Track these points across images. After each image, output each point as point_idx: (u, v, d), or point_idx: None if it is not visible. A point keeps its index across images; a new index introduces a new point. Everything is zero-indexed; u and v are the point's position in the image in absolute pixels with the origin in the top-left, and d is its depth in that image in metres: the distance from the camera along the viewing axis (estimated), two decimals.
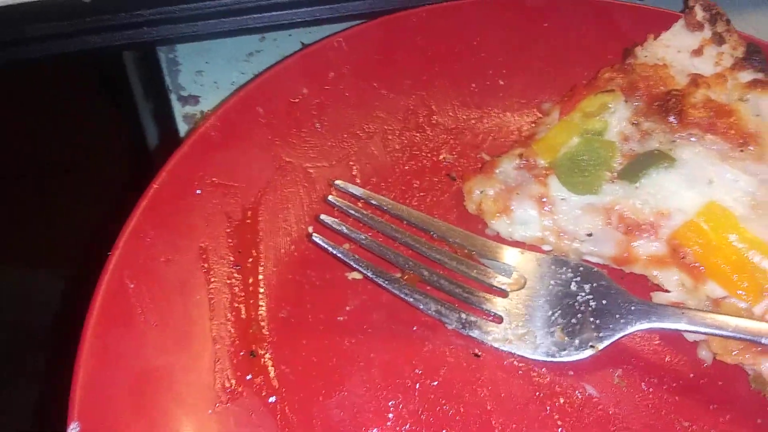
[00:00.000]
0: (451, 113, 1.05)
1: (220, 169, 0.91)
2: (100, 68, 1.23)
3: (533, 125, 1.03)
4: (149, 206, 0.83)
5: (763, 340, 0.77)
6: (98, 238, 0.84)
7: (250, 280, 0.86)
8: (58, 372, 0.74)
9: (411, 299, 0.84)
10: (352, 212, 0.89)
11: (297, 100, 0.98)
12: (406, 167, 0.99)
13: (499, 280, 0.88)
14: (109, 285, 0.77)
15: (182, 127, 1.08)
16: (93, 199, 1.12)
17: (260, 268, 0.87)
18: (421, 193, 0.97)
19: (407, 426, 0.78)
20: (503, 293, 0.87)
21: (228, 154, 0.92)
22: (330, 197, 0.89)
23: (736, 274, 0.82)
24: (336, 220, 0.86)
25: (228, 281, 0.85)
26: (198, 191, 0.88)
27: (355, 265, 0.85)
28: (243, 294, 0.85)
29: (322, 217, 0.86)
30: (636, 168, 0.90)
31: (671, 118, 0.93)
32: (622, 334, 0.82)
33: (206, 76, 1.14)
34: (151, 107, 1.18)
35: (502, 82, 1.07)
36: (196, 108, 1.10)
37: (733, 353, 0.81)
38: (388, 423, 0.78)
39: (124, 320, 0.77)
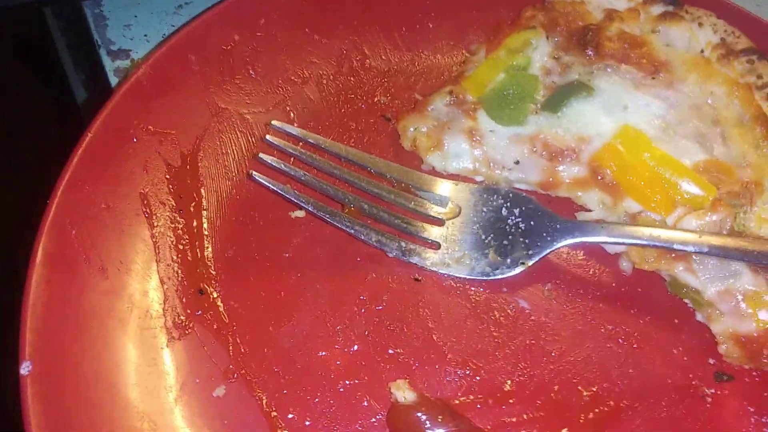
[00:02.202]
0: (383, 57, 1.08)
1: (156, 117, 0.91)
2: (18, 28, 1.18)
3: (462, 65, 1.07)
4: (85, 155, 0.83)
5: (675, 246, 0.84)
6: (35, 192, 0.84)
7: (194, 223, 0.88)
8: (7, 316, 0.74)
9: (353, 231, 0.88)
10: (290, 151, 0.91)
11: (229, 47, 0.99)
12: (342, 110, 1.02)
13: (436, 210, 0.92)
14: (50, 231, 0.78)
15: (114, 82, 1.07)
16: (27, 158, 1.10)
17: (203, 212, 0.89)
18: (359, 135, 1.00)
19: (355, 347, 0.83)
20: (440, 222, 0.91)
21: (162, 102, 0.92)
22: (267, 137, 0.91)
23: (650, 189, 0.90)
24: (274, 158, 0.89)
25: (171, 225, 0.87)
26: (134, 139, 0.89)
27: (296, 201, 0.87)
28: (187, 237, 0.87)
29: (261, 155, 0.88)
30: (557, 99, 0.96)
31: (589, 51, 0.99)
32: (549, 250, 0.88)
33: (135, 30, 1.12)
34: (78, 64, 1.16)
35: (431, 25, 1.10)
36: (127, 62, 1.09)
37: (650, 261, 0.89)
38: (337, 346, 0.82)
39: (68, 265, 0.77)
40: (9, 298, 0.76)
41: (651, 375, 0.85)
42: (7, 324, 0.73)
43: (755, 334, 0.84)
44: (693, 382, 0.85)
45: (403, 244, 0.89)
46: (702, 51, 1.00)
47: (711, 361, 0.86)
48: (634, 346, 0.86)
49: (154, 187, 0.88)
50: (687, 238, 0.84)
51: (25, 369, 0.69)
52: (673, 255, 0.88)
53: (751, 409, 0.83)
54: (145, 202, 0.86)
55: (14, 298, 0.74)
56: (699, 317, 0.88)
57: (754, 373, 0.86)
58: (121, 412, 0.73)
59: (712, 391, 0.84)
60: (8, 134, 1.16)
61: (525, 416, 0.80)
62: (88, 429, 0.71)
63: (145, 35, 1.12)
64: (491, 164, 0.95)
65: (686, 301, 0.89)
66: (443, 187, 0.94)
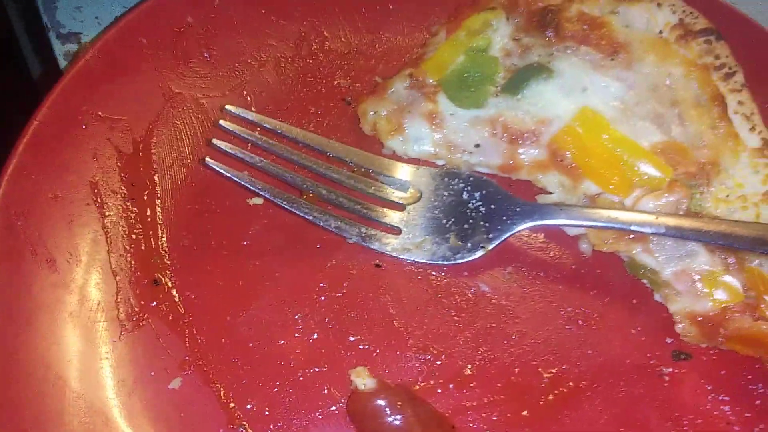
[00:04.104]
0: (343, 39, 1.06)
1: (106, 102, 0.88)
2: None
3: (423, 47, 1.05)
4: (31, 142, 0.81)
5: (633, 227, 0.85)
6: None
7: (148, 212, 0.86)
8: None
9: (312, 217, 0.87)
10: (246, 136, 0.89)
11: (182, 30, 0.96)
12: (302, 94, 1.00)
13: (397, 195, 0.91)
14: None
15: (64, 66, 1.03)
16: None
17: (157, 200, 0.87)
18: (318, 119, 0.99)
19: (315, 335, 0.82)
20: (400, 207, 0.91)
21: (112, 86, 0.89)
22: (222, 122, 0.88)
23: (608, 171, 0.90)
24: (229, 144, 0.87)
25: (123, 214, 0.84)
26: (83, 126, 0.86)
27: (252, 188, 0.86)
28: (141, 226, 0.84)
29: (215, 141, 0.86)
30: (517, 81, 0.95)
31: (549, 33, 0.98)
32: (509, 233, 0.88)
33: (86, 12, 1.08)
34: (35, 48, 1.12)
35: (391, 6, 1.08)
36: (77, 45, 1.05)
37: (608, 242, 0.89)
38: (296, 335, 0.82)
39: (14, 257, 0.75)
40: None
41: (610, 355, 0.85)
42: None
43: (711, 313, 0.85)
44: (651, 362, 0.86)
45: (363, 229, 0.88)
46: (660, 32, 1.00)
47: (669, 340, 0.87)
48: (593, 327, 0.87)
49: (105, 175, 0.85)
50: (644, 219, 0.84)
51: None
52: (631, 236, 0.88)
53: (709, 387, 0.85)
54: (96, 191, 0.84)
55: None
56: (657, 297, 0.89)
57: (711, 352, 0.87)
58: (71, 407, 0.72)
59: (670, 369, 0.85)
60: None
61: (485, 400, 0.81)
62: (37, 424, 0.69)
63: (96, 17, 1.08)
64: (452, 148, 0.94)
65: (644, 281, 0.90)
66: (404, 172, 0.93)
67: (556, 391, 0.82)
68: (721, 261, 0.86)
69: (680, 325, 0.86)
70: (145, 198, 0.86)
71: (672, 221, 0.84)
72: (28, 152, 0.80)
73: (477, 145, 0.94)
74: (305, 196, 0.88)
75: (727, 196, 0.90)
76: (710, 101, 0.94)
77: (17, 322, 0.72)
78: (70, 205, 0.81)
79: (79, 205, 0.82)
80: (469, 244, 0.88)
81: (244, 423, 0.75)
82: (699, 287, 0.86)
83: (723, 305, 0.85)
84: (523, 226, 0.88)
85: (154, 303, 0.80)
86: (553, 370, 0.83)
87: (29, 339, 0.72)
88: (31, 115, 0.82)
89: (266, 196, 0.86)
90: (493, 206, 0.90)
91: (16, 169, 0.79)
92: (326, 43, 1.04)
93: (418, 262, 0.88)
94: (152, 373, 0.76)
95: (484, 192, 0.91)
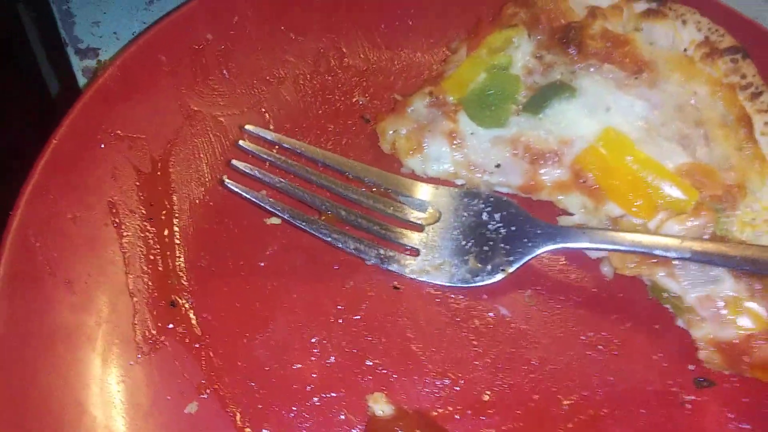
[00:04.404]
0: (362, 55, 1.05)
1: (124, 121, 0.88)
2: None
3: (443, 64, 1.04)
4: (50, 162, 0.80)
5: (656, 252, 0.83)
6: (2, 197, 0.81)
7: (165, 232, 0.85)
8: None
9: (330, 239, 0.86)
10: (265, 156, 0.89)
11: (201, 47, 0.96)
12: (320, 111, 0.99)
13: (415, 215, 0.90)
14: (13, 244, 0.75)
15: (82, 82, 1.04)
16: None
17: (175, 220, 0.87)
18: (336, 136, 0.98)
19: (332, 359, 0.81)
20: (419, 227, 0.90)
21: (131, 105, 0.89)
22: (241, 142, 0.88)
23: (632, 193, 0.88)
24: (248, 165, 0.86)
25: (141, 234, 0.84)
26: (102, 145, 0.86)
27: (270, 209, 0.85)
28: (158, 246, 0.84)
29: (234, 162, 0.85)
30: (539, 100, 0.94)
31: (571, 50, 0.96)
32: (530, 256, 0.86)
33: (104, 27, 1.09)
34: (52, 63, 1.12)
35: (410, 23, 1.08)
36: (96, 61, 1.06)
37: (631, 266, 0.88)
38: (313, 358, 0.81)
39: (32, 279, 0.75)
40: None
41: (631, 382, 0.84)
42: None
43: (736, 341, 0.83)
44: (673, 389, 0.84)
45: (381, 251, 0.87)
46: (685, 50, 0.98)
47: (691, 367, 0.85)
48: (614, 352, 0.85)
49: (123, 194, 0.85)
50: (668, 243, 0.83)
51: None
52: (655, 260, 0.86)
53: (731, 416, 0.83)
54: (114, 210, 0.84)
55: None
56: (679, 323, 0.87)
57: (734, 379, 0.85)
58: (88, 430, 0.71)
59: (692, 397, 0.84)
60: None
61: (504, 427, 0.79)
62: None
63: (115, 33, 1.08)
64: (472, 167, 0.93)
65: (667, 306, 0.88)
66: (423, 191, 0.92)
67: (576, 419, 0.81)
68: (746, 287, 0.84)
69: (703, 352, 0.85)
70: (163, 218, 0.86)
71: (697, 246, 0.82)
72: (47, 172, 0.80)
73: (498, 165, 0.93)
74: (323, 217, 0.88)
75: (753, 219, 0.88)
76: (736, 122, 0.92)
77: (35, 345, 0.72)
78: (89, 225, 0.81)
79: (97, 225, 0.82)
80: (488, 267, 0.87)
81: None
82: (723, 313, 0.84)
83: (748, 332, 0.83)
84: (545, 249, 0.86)
85: (171, 325, 0.80)
86: (574, 397, 0.82)
87: (47, 362, 0.72)
88: (48, 132, 0.82)
89: (284, 216, 0.86)
90: (513, 228, 0.88)
91: (34, 189, 0.79)
92: (345, 59, 1.04)
93: (436, 285, 0.87)
94: (168, 397, 0.76)
95: (504, 213, 0.90)
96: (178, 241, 0.85)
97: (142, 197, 0.86)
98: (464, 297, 0.87)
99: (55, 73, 1.08)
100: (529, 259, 0.87)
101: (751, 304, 0.84)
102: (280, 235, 0.88)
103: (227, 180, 0.85)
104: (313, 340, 0.82)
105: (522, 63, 0.97)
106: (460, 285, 0.87)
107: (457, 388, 0.81)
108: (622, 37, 0.98)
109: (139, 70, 0.90)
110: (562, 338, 0.86)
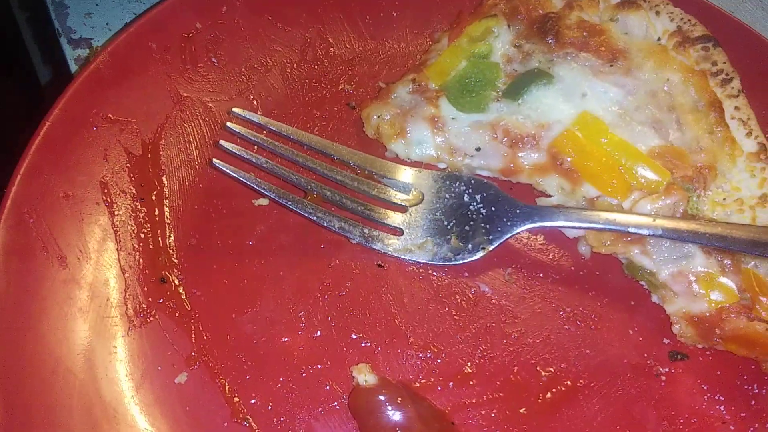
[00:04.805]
0: (347, 45, 1.08)
1: (116, 105, 0.90)
2: None
3: (426, 53, 1.08)
4: (43, 143, 0.83)
5: (630, 230, 0.86)
6: None
7: (156, 212, 0.88)
8: None
9: (316, 218, 0.89)
10: (252, 138, 0.91)
11: (190, 35, 0.98)
12: (307, 98, 1.02)
13: (399, 197, 0.93)
14: (8, 220, 0.77)
15: (75, 70, 1.06)
16: None
17: (165, 200, 0.89)
18: (323, 122, 1.01)
19: (318, 333, 0.83)
20: (403, 208, 0.92)
21: (122, 90, 0.91)
22: (229, 124, 0.90)
23: (606, 174, 0.91)
24: (236, 146, 0.89)
25: (132, 214, 0.86)
26: (94, 127, 0.88)
27: (258, 189, 0.88)
28: (149, 225, 0.86)
29: (222, 142, 0.88)
30: (518, 86, 0.97)
31: (549, 39, 1.00)
32: (509, 234, 0.89)
33: (96, 18, 1.11)
34: (43, 53, 1.14)
35: (395, 14, 1.11)
36: (88, 51, 1.08)
37: (606, 244, 0.91)
38: (300, 332, 0.83)
39: (26, 254, 0.77)
40: None
41: (607, 355, 0.87)
42: None
43: (707, 314, 0.86)
44: (648, 362, 0.87)
45: (366, 230, 0.90)
46: (659, 39, 1.02)
47: (665, 340, 0.89)
48: (591, 327, 0.88)
49: (114, 175, 0.87)
50: (641, 221, 0.86)
51: None
52: (629, 238, 0.90)
53: (704, 387, 0.86)
54: (106, 190, 0.86)
55: None
56: (654, 298, 0.91)
57: (707, 352, 0.89)
58: (80, 400, 0.73)
59: (667, 369, 0.87)
60: None
61: (484, 397, 0.82)
62: (47, 417, 0.71)
63: (107, 23, 1.10)
64: (453, 151, 0.96)
65: (642, 282, 0.91)
66: (406, 174, 0.95)
67: (554, 390, 0.84)
68: (717, 263, 0.88)
69: (677, 326, 0.88)
70: (154, 198, 0.88)
71: (669, 223, 0.85)
72: (40, 152, 0.83)
73: (478, 149, 0.96)
74: (310, 198, 0.90)
75: (724, 199, 0.92)
76: (708, 107, 0.96)
77: (28, 316, 0.74)
78: (81, 203, 0.83)
79: (89, 204, 0.84)
80: (469, 246, 0.90)
81: (248, 417, 0.77)
82: (695, 288, 0.87)
83: (719, 306, 0.86)
84: (523, 227, 0.89)
85: (162, 300, 0.82)
86: (552, 369, 0.85)
87: (40, 333, 0.74)
88: (39, 119, 0.85)
89: (271, 196, 0.88)
90: (493, 208, 0.91)
91: (28, 168, 0.81)
92: (331, 49, 1.07)
93: (419, 263, 0.90)
94: (159, 368, 0.78)
95: (484, 194, 0.93)
96: (168, 221, 0.87)
97: (133, 178, 0.88)
98: (446, 274, 0.90)
99: (48, 62, 1.11)
100: (508, 238, 0.90)
101: (722, 279, 0.87)
102: (268, 216, 0.91)
103: (216, 160, 0.87)
104: (300, 315, 0.84)
105: (501, 51, 1.01)
106: (442, 263, 0.90)
107: (439, 361, 0.84)
108: (598, 27, 1.02)
109: (130, 57, 0.93)
110: (540, 313, 0.89)
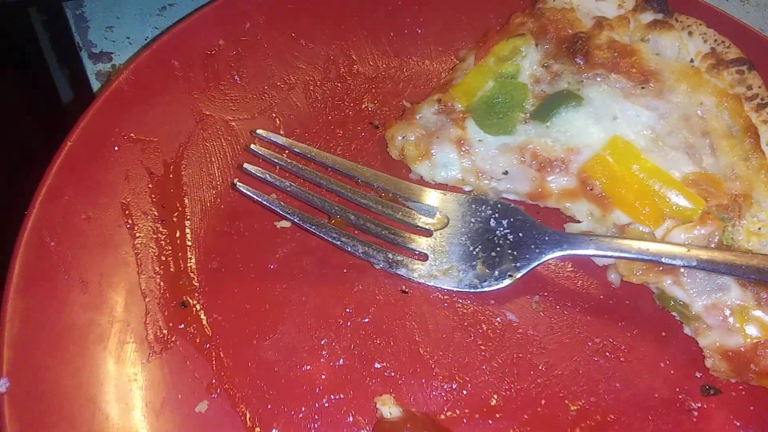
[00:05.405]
0: (371, 62, 1.06)
1: (138, 124, 0.89)
2: (4, 29, 1.15)
3: (451, 71, 1.06)
4: (64, 164, 0.81)
5: (663, 260, 0.84)
6: (14, 200, 0.82)
7: (177, 234, 0.86)
8: None
9: (339, 242, 0.87)
10: (276, 161, 0.90)
11: (213, 52, 0.97)
12: (329, 117, 1.01)
13: (423, 221, 0.91)
14: (28, 243, 0.76)
15: (96, 86, 1.05)
16: (6, 161, 1.07)
17: (187, 222, 0.87)
18: (346, 142, 0.99)
19: (340, 361, 0.81)
20: (427, 233, 0.90)
21: (144, 108, 0.90)
22: (252, 146, 0.89)
23: (639, 201, 0.89)
24: (259, 168, 0.87)
25: (154, 236, 0.85)
26: (116, 147, 0.87)
27: (281, 212, 0.86)
28: (170, 248, 0.85)
29: (246, 165, 0.86)
30: (547, 108, 0.95)
31: (578, 60, 0.98)
32: (537, 262, 0.87)
33: (117, 32, 1.10)
34: (63, 66, 1.14)
35: (419, 31, 1.09)
36: (109, 66, 1.07)
37: (638, 273, 0.88)
38: (322, 360, 0.81)
39: (47, 278, 0.76)
40: None
41: (638, 389, 0.84)
42: None
43: (742, 349, 0.83)
44: (680, 396, 0.85)
45: (390, 255, 0.88)
46: (692, 60, 0.99)
47: (698, 374, 0.86)
48: (621, 359, 0.86)
49: (136, 196, 0.86)
50: (675, 251, 0.83)
51: (2, 386, 0.68)
52: (661, 268, 0.87)
53: (737, 423, 0.83)
54: (127, 212, 0.84)
55: None
56: (686, 330, 0.88)
57: (741, 387, 0.86)
58: (100, 429, 0.72)
59: (699, 405, 0.84)
60: None
61: (511, 431, 0.80)
62: None
63: (128, 38, 1.09)
64: (479, 174, 0.94)
65: (674, 314, 0.89)
66: (431, 197, 0.93)
67: (582, 424, 0.81)
68: (753, 295, 0.85)
69: (710, 360, 0.85)
70: (175, 220, 0.87)
71: (704, 254, 0.83)
72: (61, 173, 0.81)
73: (505, 172, 0.94)
74: (333, 221, 0.89)
75: (759, 228, 0.89)
76: (742, 132, 0.93)
77: (48, 342, 0.73)
78: (102, 226, 0.82)
79: (110, 226, 0.82)
80: (496, 272, 0.88)
81: None
82: (730, 322, 0.84)
83: (754, 341, 0.83)
84: (552, 255, 0.87)
85: (182, 325, 0.80)
86: (581, 403, 0.82)
87: (61, 360, 0.73)
88: (60, 137, 0.83)
89: (294, 220, 0.87)
90: (521, 234, 0.89)
91: (49, 190, 0.80)
92: (354, 66, 1.05)
93: (444, 290, 0.88)
94: (179, 396, 0.76)
95: (512, 219, 0.90)
96: (189, 243, 0.86)
97: (154, 199, 0.86)
98: (472, 302, 0.88)
99: (68, 76, 1.10)
100: (536, 266, 0.87)
101: (758, 313, 0.84)
102: (290, 239, 0.89)
103: (238, 183, 0.86)
104: (322, 342, 0.82)
105: (529, 72, 0.99)
106: (467, 290, 0.88)
107: (465, 392, 0.82)
108: (629, 47, 1.00)
109: (152, 75, 0.92)
110: (569, 344, 0.86)
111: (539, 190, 0.93)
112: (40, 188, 0.79)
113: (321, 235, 0.87)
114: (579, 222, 0.93)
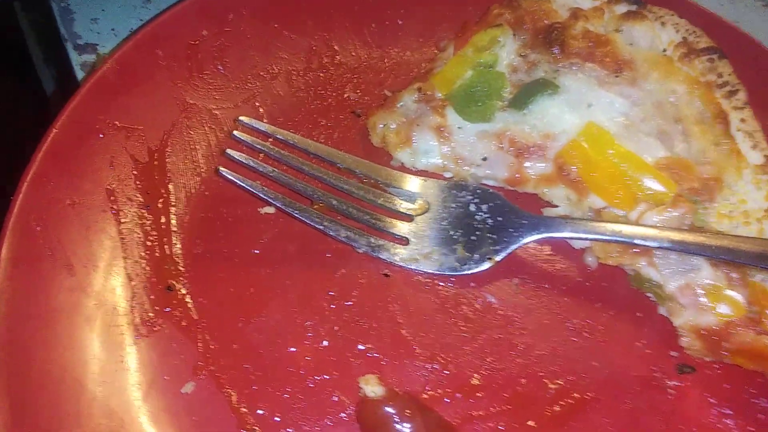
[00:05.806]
0: (353, 53, 1.08)
1: (122, 112, 0.90)
2: None
3: (431, 62, 1.08)
4: (50, 150, 0.82)
5: (636, 241, 0.86)
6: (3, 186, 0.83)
7: (162, 220, 0.87)
8: None
9: (322, 227, 0.88)
10: (259, 147, 0.91)
11: (197, 42, 0.98)
12: (312, 106, 1.02)
13: (405, 206, 0.93)
14: (14, 228, 0.77)
15: (81, 77, 1.05)
16: None
17: (171, 208, 0.89)
18: (328, 130, 1.01)
19: (324, 343, 0.83)
20: (409, 218, 0.92)
21: (129, 97, 0.91)
22: (235, 132, 0.90)
23: (613, 185, 0.91)
24: (243, 154, 0.88)
25: (139, 221, 0.86)
26: (100, 135, 0.88)
27: (264, 197, 0.87)
28: (155, 233, 0.86)
29: (229, 151, 0.87)
30: (524, 96, 0.97)
31: (554, 49, 1.00)
32: (516, 245, 0.89)
33: (102, 24, 1.11)
34: (47, 58, 1.14)
35: (400, 22, 1.11)
36: (94, 57, 1.08)
37: (613, 255, 0.91)
38: (306, 342, 0.83)
39: (33, 262, 0.76)
40: None
41: (615, 368, 0.86)
42: None
43: (715, 327, 0.86)
44: (655, 375, 0.87)
45: (372, 239, 0.90)
46: (664, 50, 1.02)
47: (673, 353, 0.88)
48: (599, 339, 0.88)
49: (120, 183, 0.87)
50: (648, 233, 0.86)
51: None
52: (636, 250, 0.90)
53: (712, 401, 0.85)
54: (112, 198, 0.85)
55: None
56: (661, 311, 0.90)
57: (715, 365, 0.88)
58: (87, 409, 0.73)
59: (675, 383, 0.86)
60: None
61: (492, 409, 0.82)
62: (54, 426, 0.70)
63: (113, 29, 1.10)
64: (459, 161, 0.96)
65: (649, 294, 0.91)
66: (412, 183, 0.94)
67: (561, 402, 0.83)
68: (724, 276, 0.88)
69: (684, 339, 0.88)
70: (160, 206, 0.88)
71: (676, 235, 0.85)
72: (47, 160, 0.82)
73: (484, 159, 0.96)
74: (316, 206, 0.90)
75: (730, 211, 0.92)
76: (713, 118, 0.96)
77: (35, 325, 0.74)
78: (87, 211, 0.83)
79: (95, 211, 0.83)
80: (476, 256, 0.90)
81: (255, 428, 0.76)
82: (703, 301, 0.87)
83: (726, 319, 0.86)
84: (530, 238, 0.89)
85: (168, 308, 0.81)
86: (559, 381, 0.84)
87: (47, 342, 0.74)
88: (44, 126, 0.84)
89: (278, 205, 0.88)
90: (500, 218, 0.91)
91: (35, 176, 0.80)
92: (336, 57, 1.07)
93: (425, 273, 0.90)
94: (166, 377, 0.77)
95: (491, 204, 0.92)
96: (174, 229, 0.87)
97: (139, 186, 0.88)
98: (453, 285, 0.90)
99: (53, 67, 1.10)
100: (515, 248, 0.89)
101: (730, 292, 0.87)
102: (274, 224, 0.90)
103: (222, 168, 0.87)
104: (306, 325, 0.84)
105: (507, 61, 1.01)
106: (448, 273, 0.89)
107: (447, 372, 0.83)
108: (603, 37, 1.02)
109: (136, 64, 0.93)
110: (548, 325, 0.88)
111: (517, 175, 0.95)
112: (26, 174, 0.80)
113: (304, 219, 0.88)
114: (556, 207, 0.95)
